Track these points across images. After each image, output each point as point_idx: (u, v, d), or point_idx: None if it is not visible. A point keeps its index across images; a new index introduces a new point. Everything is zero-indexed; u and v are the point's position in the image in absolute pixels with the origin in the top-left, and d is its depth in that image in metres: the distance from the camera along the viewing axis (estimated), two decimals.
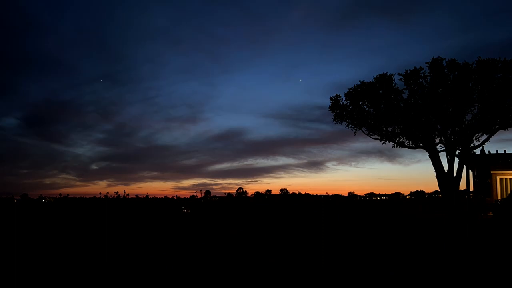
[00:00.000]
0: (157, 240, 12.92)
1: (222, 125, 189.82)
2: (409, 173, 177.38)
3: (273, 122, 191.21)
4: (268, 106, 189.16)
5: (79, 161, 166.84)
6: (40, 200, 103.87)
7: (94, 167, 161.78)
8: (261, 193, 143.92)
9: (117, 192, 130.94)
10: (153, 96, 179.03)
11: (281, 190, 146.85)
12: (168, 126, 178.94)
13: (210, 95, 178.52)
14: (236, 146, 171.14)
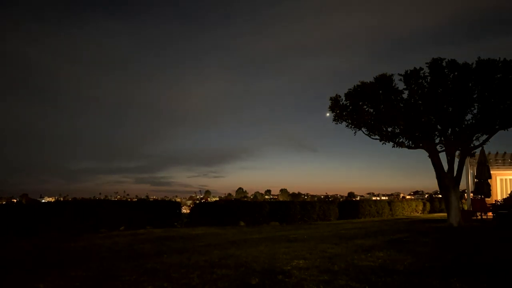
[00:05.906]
0: None
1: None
2: (409, 173, 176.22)
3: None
4: None
5: None
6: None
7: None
8: (261, 193, 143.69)
9: (117, 192, 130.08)
10: None
11: (281, 190, 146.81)
12: None
13: None
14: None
